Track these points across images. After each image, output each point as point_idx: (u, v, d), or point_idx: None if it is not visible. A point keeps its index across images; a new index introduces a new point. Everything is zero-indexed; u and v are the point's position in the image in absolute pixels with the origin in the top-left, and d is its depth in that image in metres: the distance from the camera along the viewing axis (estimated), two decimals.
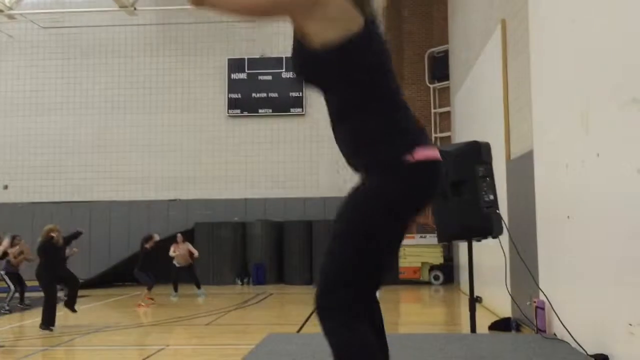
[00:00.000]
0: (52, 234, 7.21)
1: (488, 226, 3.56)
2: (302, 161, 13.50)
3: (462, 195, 3.56)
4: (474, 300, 4.29)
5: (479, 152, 3.06)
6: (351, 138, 1.81)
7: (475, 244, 4.25)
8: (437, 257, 12.64)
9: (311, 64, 1.78)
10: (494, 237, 3.09)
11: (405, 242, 12.23)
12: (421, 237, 12.57)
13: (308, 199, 13.12)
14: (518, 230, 5.15)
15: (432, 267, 12.55)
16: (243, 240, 13.07)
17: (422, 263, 12.52)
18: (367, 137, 1.77)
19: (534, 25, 4.92)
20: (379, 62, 1.80)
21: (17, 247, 9.06)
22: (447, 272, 12.38)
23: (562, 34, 4.11)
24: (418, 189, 1.75)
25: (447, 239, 4.12)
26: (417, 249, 12.47)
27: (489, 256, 5.99)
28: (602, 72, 3.38)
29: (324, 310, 1.71)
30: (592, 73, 3.52)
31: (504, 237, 4.84)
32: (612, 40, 3.25)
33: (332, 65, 1.75)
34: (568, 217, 3.98)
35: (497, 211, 3.10)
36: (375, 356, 1.69)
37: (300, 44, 1.78)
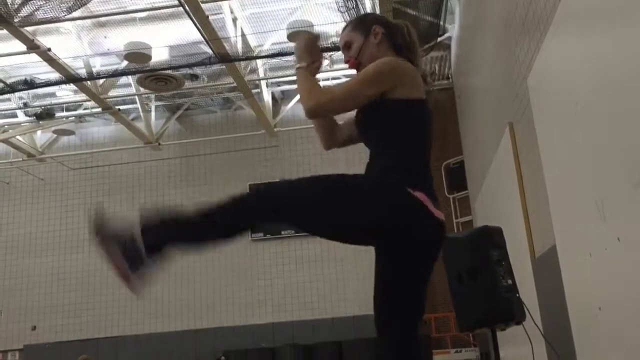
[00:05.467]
0: None
1: (510, 311, 3.46)
2: (327, 280, 13.38)
3: (478, 281, 3.50)
4: None
5: (491, 237, 3.04)
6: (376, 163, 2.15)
7: (508, 355, 4.10)
8: None
9: (374, 110, 2.14)
10: (517, 324, 2.99)
11: (440, 358, 11.78)
12: (456, 351, 12.08)
13: (336, 319, 12.82)
14: (553, 329, 4.97)
15: None
16: None
17: None
18: (388, 165, 2.08)
19: (539, 123, 5.06)
20: (426, 130, 2.19)
21: None
22: None
23: (567, 125, 4.22)
24: (401, 216, 1.97)
25: (469, 329, 3.98)
26: None
27: None
28: (611, 154, 3.42)
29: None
30: (602, 157, 3.57)
31: (539, 345, 4.66)
32: (617, 121, 3.32)
33: (393, 113, 2.11)
34: (599, 308, 3.86)
35: (517, 295, 3.02)
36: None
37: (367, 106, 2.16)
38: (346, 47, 2.34)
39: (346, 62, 2.34)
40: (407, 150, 2.11)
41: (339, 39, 2.42)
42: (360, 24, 2.34)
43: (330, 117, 2.41)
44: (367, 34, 2.28)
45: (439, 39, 10.49)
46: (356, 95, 2.09)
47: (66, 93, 12.91)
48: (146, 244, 1.94)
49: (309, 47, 2.26)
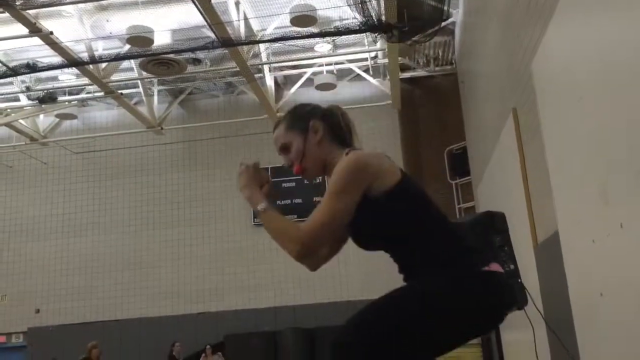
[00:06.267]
0: (95, 351, 7.25)
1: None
2: (329, 265, 13.37)
3: None
4: None
5: (493, 222, 3.01)
6: (420, 261, 1.92)
7: (510, 340, 4.11)
8: (476, 358, 12.09)
9: (369, 225, 1.93)
10: (519, 309, 2.99)
11: None
12: None
13: (338, 303, 12.90)
14: (554, 314, 4.99)
15: None
16: (275, 351, 12.75)
17: None
18: (437, 255, 1.89)
19: (543, 109, 5.04)
20: (428, 200, 2.01)
21: None
22: None
23: (571, 110, 4.20)
24: (489, 299, 1.87)
25: None
26: (455, 351, 11.98)
27: (527, 351, 5.77)
28: (614, 140, 3.42)
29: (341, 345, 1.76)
30: (605, 143, 3.56)
31: (541, 330, 4.68)
32: (621, 107, 3.31)
33: (392, 208, 1.90)
34: (601, 294, 3.87)
35: (519, 280, 3.01)
36: None
37: (359, 212, 1.92)
38: (283, 149, 2.09)
39: (289, 167, 2.10)
40: (437, 239, 1.92)
41: (276, 139, 2.11)
42: (295, 121, 2.08)
43: None
44: (305, 132, 2.04)
45: (443, 24, 10.41)
46: (336, 212, 1.86)
47: (68, 77, 12.88)
48: None
49: (252, 180, 2.02)
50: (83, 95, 13.60)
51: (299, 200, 13.73)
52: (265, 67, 12.79)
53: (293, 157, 2.06)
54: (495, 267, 1.88)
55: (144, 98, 13.16)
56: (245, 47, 10.87)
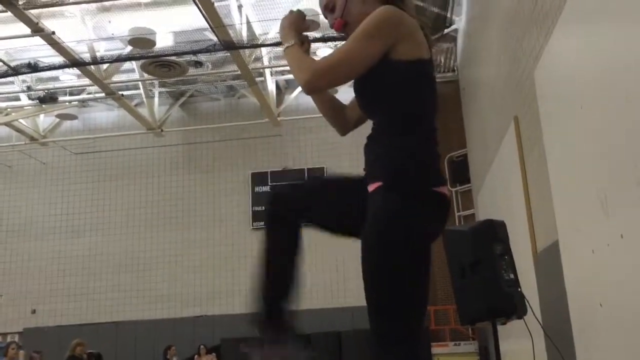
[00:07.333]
0: (79, 348, 7.22)
1: (511, 305, 3.45)
2: (327, 271, 13.37)
3: (481, 275, 3.48)
4: None
5: (494, 231, 3.01)
6: (386, 149, 1.88)
7: (509, 349, 4.09)
8: None
9: (374, 77, 1.88)
10: (518, 318, 2.97)
11: (438, 350, 11.81)
12: (455, 344, 12.10)
13: (336, 309, 12.85)
14: (553, 324, 4.95)
15: None
16: None
17: None
18: (403, 154, 1.84)
19: (545, 118, 5.02)
20: (433, 95, 1.96)
21: None
22: None
23: (572, 120, 4.18)
24: (434, 216, 1.86)
25: (470, 321, 3.97)
26: (452, 358, 11.94)
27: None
28: (616, 150, 3.40)
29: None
30: (606, 153, 3.54)
31: (539, 340, 4.65)
32: (623, 118, 3.29)
33: (397, 77, 1.86)
34: (600, 304, 3.84)
35: (519, 289, 2.99)
36: None
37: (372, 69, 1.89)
38: (328, 9, 2.08)
39: (331, 26, 2.07)
40: (421, 130, 1.89)
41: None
42: None
43: (335, 101, 2.18)
44: None
45: (446, 31, 10.42)
46: (356, 55, 1.82)
47: (69, 77, 12.87)
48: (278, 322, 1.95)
49: (294, 25, 2.03)
50: (84, 96, 13.58)
51: None
52: (267, 71, 12.78)
53: (337, 13, 2.04)
54: (444, 189, 1.86)
55: (144, 100, 13.15)
56: (247, 51, 10.86)
